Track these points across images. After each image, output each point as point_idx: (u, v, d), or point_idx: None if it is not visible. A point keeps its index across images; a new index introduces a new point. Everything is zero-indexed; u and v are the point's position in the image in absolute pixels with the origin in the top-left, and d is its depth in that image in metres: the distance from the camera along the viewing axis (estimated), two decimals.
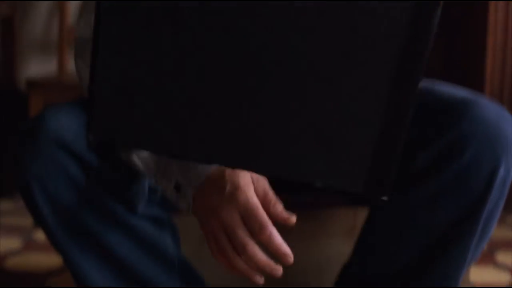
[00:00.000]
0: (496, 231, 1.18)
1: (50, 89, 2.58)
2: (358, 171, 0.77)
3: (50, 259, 1.97)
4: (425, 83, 1.14)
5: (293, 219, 0.97)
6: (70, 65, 2.82)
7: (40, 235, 2.17)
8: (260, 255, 0.97)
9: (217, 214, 0.98)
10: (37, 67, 3.01)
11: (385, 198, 0.77)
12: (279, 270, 0.98)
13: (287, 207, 0.99)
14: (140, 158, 1.07)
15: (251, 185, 0.98)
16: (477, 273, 1.89)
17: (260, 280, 0.99)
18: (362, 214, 1.27)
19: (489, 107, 1.05)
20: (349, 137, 0.76)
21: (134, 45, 0.74)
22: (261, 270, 0.98)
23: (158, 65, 0.75)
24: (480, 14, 2.77)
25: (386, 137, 0.75)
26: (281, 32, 0.74)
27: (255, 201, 0.97)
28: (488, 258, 2.06)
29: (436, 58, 3.05)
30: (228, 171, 0.99)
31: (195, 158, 0.84)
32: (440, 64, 3.05)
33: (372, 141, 0.76)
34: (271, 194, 0.99)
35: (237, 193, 0.97)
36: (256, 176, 1.00)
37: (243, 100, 0.77)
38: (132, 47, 0.75)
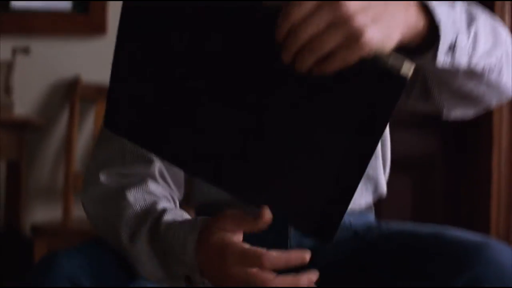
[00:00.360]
0: None
1: (55, 235, 2.59)
2: (312, 220, 0.95)
3: None
4: (436, 228, 1.15)
5: (307, 255, 0.97)
6: (75, 211, 2.84)
7: None
8: (285, 279, 0.97)
9: (226, 276, 0.99)
10: (42, 212, 3.02)
11: (329, 242, 0.95)
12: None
13: None
14: (148, 273, 1.10)
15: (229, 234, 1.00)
16: None
17: None
18: None
19: (501, 250, 1.05)
20: (310, 193, 0.93)
21: (142, 64, 0.90)
22: None
23: (157, 82, 0.91)
24: (484, 158, 2.81)
25: (336, 199, 0.92)
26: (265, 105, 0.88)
27: (234, 241, 0.99)
28: None
29: (441, 204, 3.06)
30: (201, 239, 1.02)
31: (172, 161, 1.00)
32: (446, 208, 3.06)
33: (325, 200, 0.92)
34: (249, 249, 0.99)
35: (226, 250, 0.98)
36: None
37: (230, 132, 0.91)
38: (140, 65, 0.91)
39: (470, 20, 1.02)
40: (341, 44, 0.81)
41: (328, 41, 0.81)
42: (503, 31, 1.10)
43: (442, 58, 0.97)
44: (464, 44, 0.99)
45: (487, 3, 2.83)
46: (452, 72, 1.03)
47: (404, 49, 0.92)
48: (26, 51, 3.03)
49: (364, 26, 0.81)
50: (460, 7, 1.02)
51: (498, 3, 2.87)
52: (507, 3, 2.85)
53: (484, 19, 1.05)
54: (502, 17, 2.82)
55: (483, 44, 1.02)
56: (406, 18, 0.90)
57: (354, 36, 0.81)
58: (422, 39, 0.95)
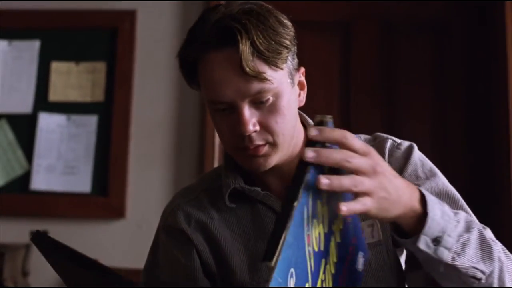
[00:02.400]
0: None
1: None
2: None
3: None
4: None
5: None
6: None
7: None
8: None
9: None
10: None
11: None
12: None
13: None
14: None
15: None
16: None
17: None
18: None
19: None
20: None
21: None
22: None
23: None
24: None
25: None
26: None
27: None
28: None
29: None
30: None
31: None
32: None
33: None
34: None
35: None
36: None
37: None
38: None
39: (466, 230, 1.17)
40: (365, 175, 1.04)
41: (360, 166, 1.04)
42: (498, 252, 1.21)
43: (423, 245, 1.13)
44: (450, 244, 1.14)
45: (498, 3, 2.93)
46: (435, 261, 1.15)
47: (397, 227, 1.13)
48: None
49: (377, 187, 1.05)
50: (463, 217, 1.19)
51: (508, 3, 2.93)
52: None
53: (479, 237, 1.19)
54: None
55: (472, 253, 1.16)
56: (409, 201, 1.10)
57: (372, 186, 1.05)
58: (414, 224, 1.12)
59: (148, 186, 3.10)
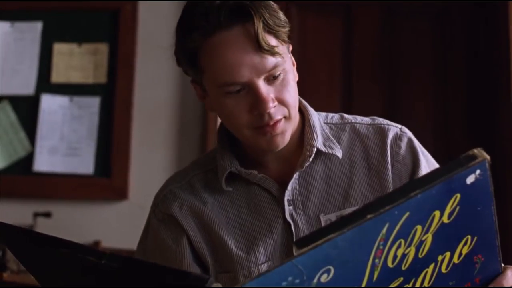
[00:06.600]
0: None
1: None
2: None
3: None
4: None
5: None
6: None
7: None
8: None
9: None
10: None
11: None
12: None
13: None
14: None
15: None
16: None
17: None
18: None
19: None
20: None
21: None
22: None
23: None
24: None
25: None
26: None
27: None
28: None
29: None
30: None
31: None
32: None
33: None
34: None
35: None
36: None
37: None
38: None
39: None
40: None
41: None
42: None
43: None
44: None
45: (502, 3, 2.93)
46: None
47: None
48: (47, 215, 3.06)
49: None
50: None
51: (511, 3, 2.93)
52: None
53: None
54: None
55: None
56: None
57: None
58: None
59: (151, 167, 3.11)
